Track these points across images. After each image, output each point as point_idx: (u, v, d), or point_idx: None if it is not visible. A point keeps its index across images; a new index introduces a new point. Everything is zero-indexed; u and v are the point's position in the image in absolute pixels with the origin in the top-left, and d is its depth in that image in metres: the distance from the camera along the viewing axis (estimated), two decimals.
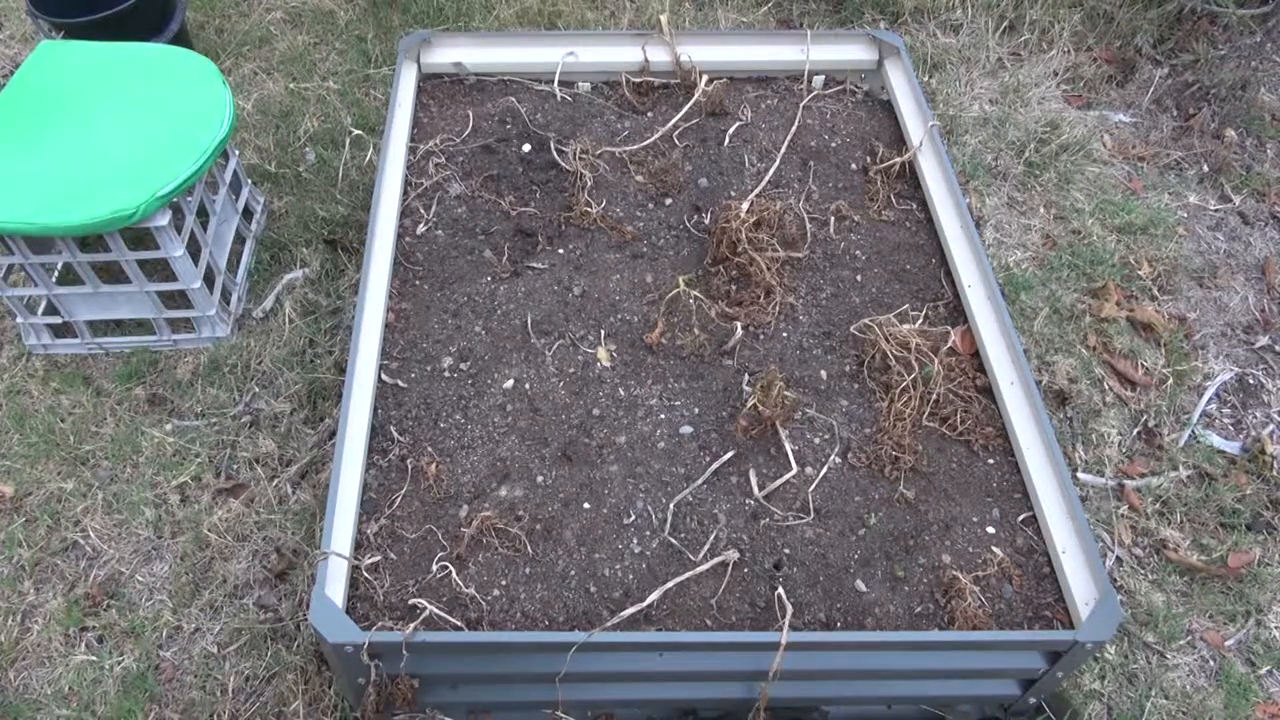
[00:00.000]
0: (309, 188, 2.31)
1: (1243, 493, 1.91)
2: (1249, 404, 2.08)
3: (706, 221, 1.90)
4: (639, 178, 1.97)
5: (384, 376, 1.65)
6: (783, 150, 2.02)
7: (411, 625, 1.34)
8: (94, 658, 1.63)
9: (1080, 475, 1.91)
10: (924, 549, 1.50)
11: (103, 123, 1.86)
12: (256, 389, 1.96)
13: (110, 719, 1.58)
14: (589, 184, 1.90)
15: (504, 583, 1.44)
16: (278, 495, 1.81)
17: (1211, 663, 1.71)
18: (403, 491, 1.52)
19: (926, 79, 2.64)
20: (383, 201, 1.82)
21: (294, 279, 2.13)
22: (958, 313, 1.78)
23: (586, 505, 1.52)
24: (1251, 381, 2.12)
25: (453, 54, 2.12)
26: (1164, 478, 1.92)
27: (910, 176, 2.00)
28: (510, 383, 1.65)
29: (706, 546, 1.48)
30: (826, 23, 2.82)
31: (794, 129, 2.06)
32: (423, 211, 1.88)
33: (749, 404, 1.59)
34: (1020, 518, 1.54)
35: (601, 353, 1.71)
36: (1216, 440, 2.00)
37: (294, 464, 1.85)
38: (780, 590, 1.43)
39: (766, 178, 1.96)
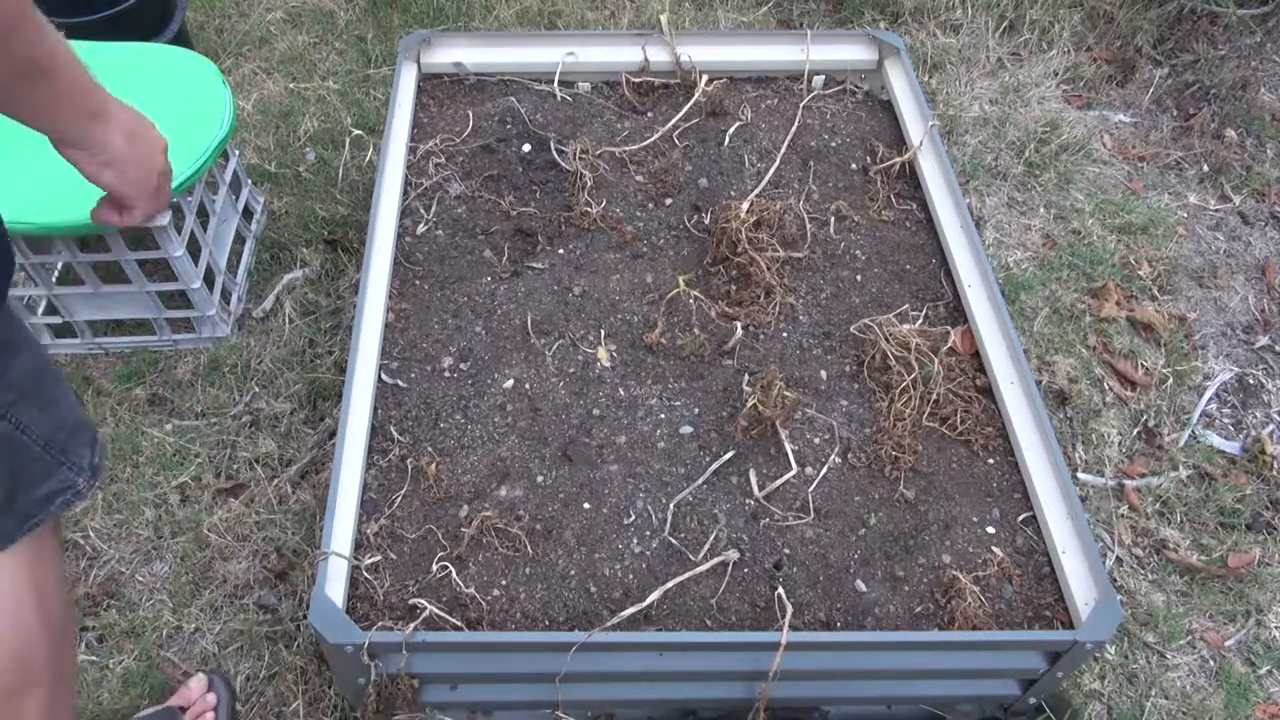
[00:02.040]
0: (309, 188, 2.31)
1: (1243, 493, 1.91)
2: (1249, 404, 2.08)
3: (706, 221, 1.90)
4: (639, 178, 1.97)
5: (384, 376, 1.65)
6: (783, 150, 2.02)
7: (411, 625, 1.34)
8: (94, 658, 1.64)
9: (1080, 475, 1.91)
10: (924, 549, 1.50)
11: None
12: (256, 389, 1.96)
13: (110, 718, 1.57)
14: (589, 184, 1.90)
15: (504, 583, 1.44)
16: (278, 495, 1.81)
17: (1211, 663, 1.71)
18: (403, 491, 1.52)
19: (926, 79, 2.64)
20: (383, 201, 1.82)
21: (294, 279, 2.13)
22: (958, 313, 1.79)
23: (586, 505, 1.52)
24: (1251, 381, 2.12)
25: (453, 54, 2.12)
26: (1164, 478, 1.92)
27: (910, 176, 2.00)
28: (510, 383, 1.66)
29: (706, 546, 1.48)
30: (826, 23, 2.82)
31: (794, 129, 2.06)
32: (423, 211, 1.88)
33: (749, 404, 1.59)
34: (1020, 518, 1.54)
35: (601, 353, 1.71)
36: (1216, 440, 2.00)
37: (294, 464, 1.85)
38: (780, 590, 1.43)
39: (766, 178, 1.96)
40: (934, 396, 1.64)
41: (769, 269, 1.76)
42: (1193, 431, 2.01)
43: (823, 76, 2.18)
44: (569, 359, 1.69)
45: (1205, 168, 2.53)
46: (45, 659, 1.10)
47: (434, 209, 1.89)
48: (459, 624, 1.38)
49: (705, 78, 2.08)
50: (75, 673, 1.25)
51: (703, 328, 1.74)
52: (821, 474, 1.57)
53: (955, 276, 1.81)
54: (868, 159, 2.03)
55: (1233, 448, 1.99)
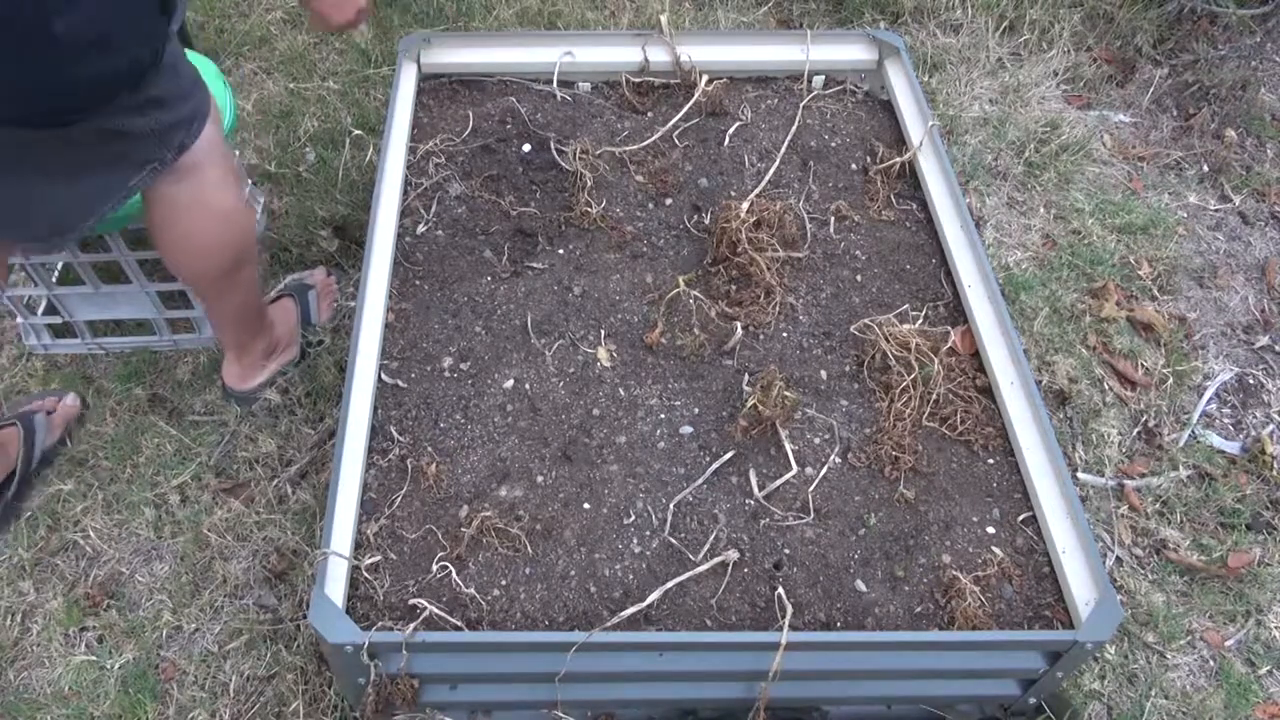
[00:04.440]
0: (309, 188, 2.31)
1: (1243, 493, 1.91)
2: (1249, 404, 2.08)
3: (706, 221, 1.90)
4: (639, 178, 1.97)
5: (384, 376, 1.65)
6: (783, 150, 2.02)
7: (411, 625, 1.34)
8: (94, 658, 1.64)
9: (1080, 475, 1.91)
10: (924, 549, 1.50)
11: None
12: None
13: (110, 718, 1.58)
14: (589, 184, 1.90)
15: (504, 583, 1.44)
16: (278, 495, 1.81)
17: (1211, 663, 1.71)
18: (403, 491, 1.52)
19: (926, 79, 2.64)
20: (383, 201, 1.82)
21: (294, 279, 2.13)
22: (958, 313, 1.79)
23: (586, 505, 1.52)
24: (1251, 381, 2.12)
25: (453, 54, 2.12)
26: (1164, 478, 1.92)
27: (910, 176, 2.00)
28: (510, 383, 1.66)
29: (706, 546, 1.48)
30: (826, 23, 2.82)
31: (794, 129, 2.06)
32: (423, 211, 1.89)
33: (749, 404, 1.59)
34: (1020, 518, 1.54)
35: (601, 353, 1.71)
36: (1216, 440, 2.00)
37: (294, 464, 1.85)
38: (780, 590, 1.43)
39: (766, 178, 1.96)
40: (934, 396, 1.64)
41: (769, 269, 1.76)
42: (1193, 431, 2.01)
43: (823, 76, 2.18)
44: (569, 359, 1.69)
45: (1205, 168, 2.53)
46: (254, 242, 1.69)
47: (434, 209, 1.89)
48: (459, 624, 1.38)
49: (705, 78, 2.08)
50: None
51: (703, 328, 1.74)
52: (821, 474, 1.57)
53: (955, 276, 1.81)
54: (868, 159, 2.03)
55: (1233, 448, 1.99)
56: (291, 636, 1.65)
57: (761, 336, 1.74)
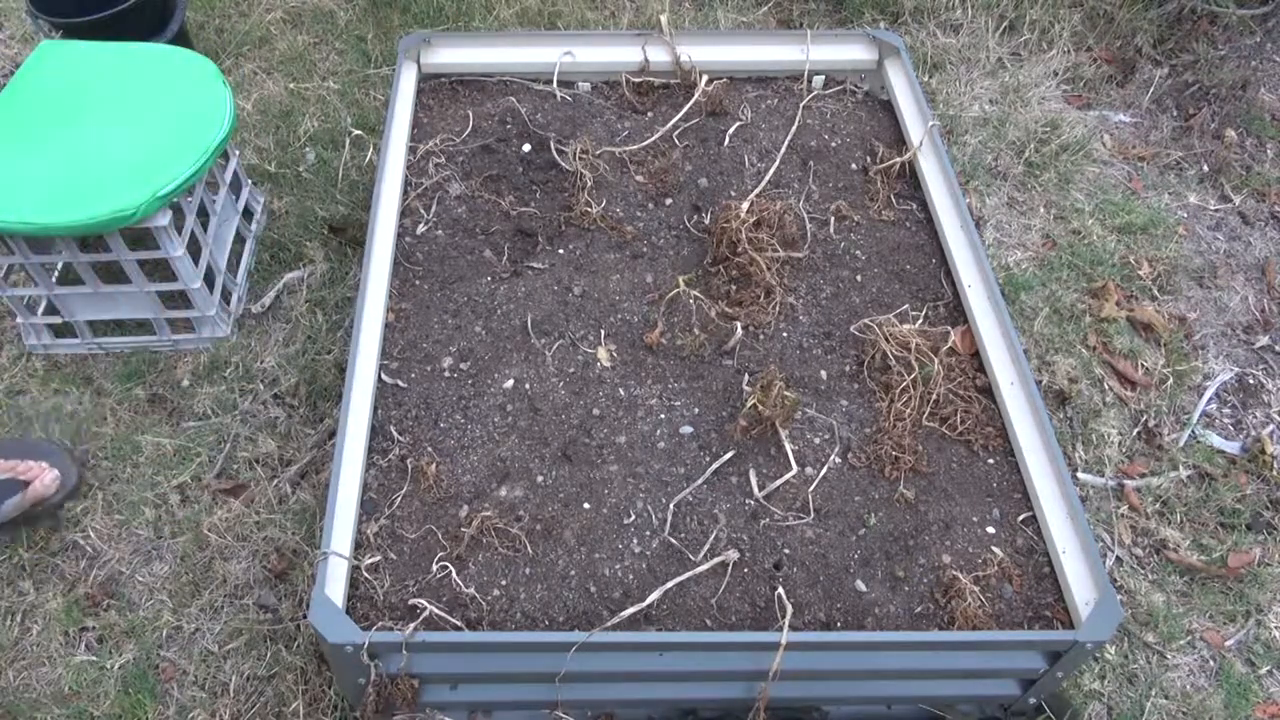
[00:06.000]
0: (309, 188, 2.31)
1: (1243, 493, 1.91)
2: (1249, 404, 2.08)
3: (706, 221, 1.90)
4: (639, 178, 1.97)
5: (384, 376, 1.65)
6: (783, 150, 2.02)
7: (411, 625, 1.34)
8: (94, 658, 1.64)
9: (1080, 475, 1.91)
10: (924, 549, 1.50)
11: (103, 123, 1.86)
12: (260, 387, 1.96)
13: (110, 718, 1.58)
14: (589, 184, 1.90)
15: (504, 583, 1.44)
16: (278, 495, 1.81)
17: (1211, 663, 1.71)
18: (403, 491, 1.52)
19: (926, 79, 2.64)
20: (383, 201, 1.83)
21: (294, 278, 2.13)
22: (958, 313, 1.79)
23: (586, 505, 1.52)
24: (1251, 381, 2.12)
25: (453, 54, 2.12)
26: (1164, 478, 1.92)
27: (910, 176, 2.00)
28: (510, 383, 1.66)
29: (706, 546, 1.48)
30: (826, 23, 2.82)
31: (794, 129, 2.06)
32: (423, 211, 1.89)
33: (749, 404, 1.59)
34: (1020, 518, 1.54)
35: (601, 353, 1.71)
36: (1216, 440, 2.00)
37: (294, 464, 1.85)
38: (780, 590, 1.43)
39: (766, 178, 1.96)
40: (934, 396, 1.64)
41: (769, 269, 1.76)
42: (1193, 431, 2.01)
43: (823, 76, 2.18)
44: (569, 359, 1.69)
45: (1205, 168, 2.53)
46: None
47: (434, 209, 1.89)
48: (459, 624, 1.38)
49: (705, 78, 2.08)
50: None
51: (703, 328, 1.74)
52: (821, 474, 1.57)
53: (955, 276, 1.81)
54: (868, 159, 2.03)
55: (1233, 448, 1.99)
56: (291, 636, 1.65)
57: (761, 336, 1.74)
